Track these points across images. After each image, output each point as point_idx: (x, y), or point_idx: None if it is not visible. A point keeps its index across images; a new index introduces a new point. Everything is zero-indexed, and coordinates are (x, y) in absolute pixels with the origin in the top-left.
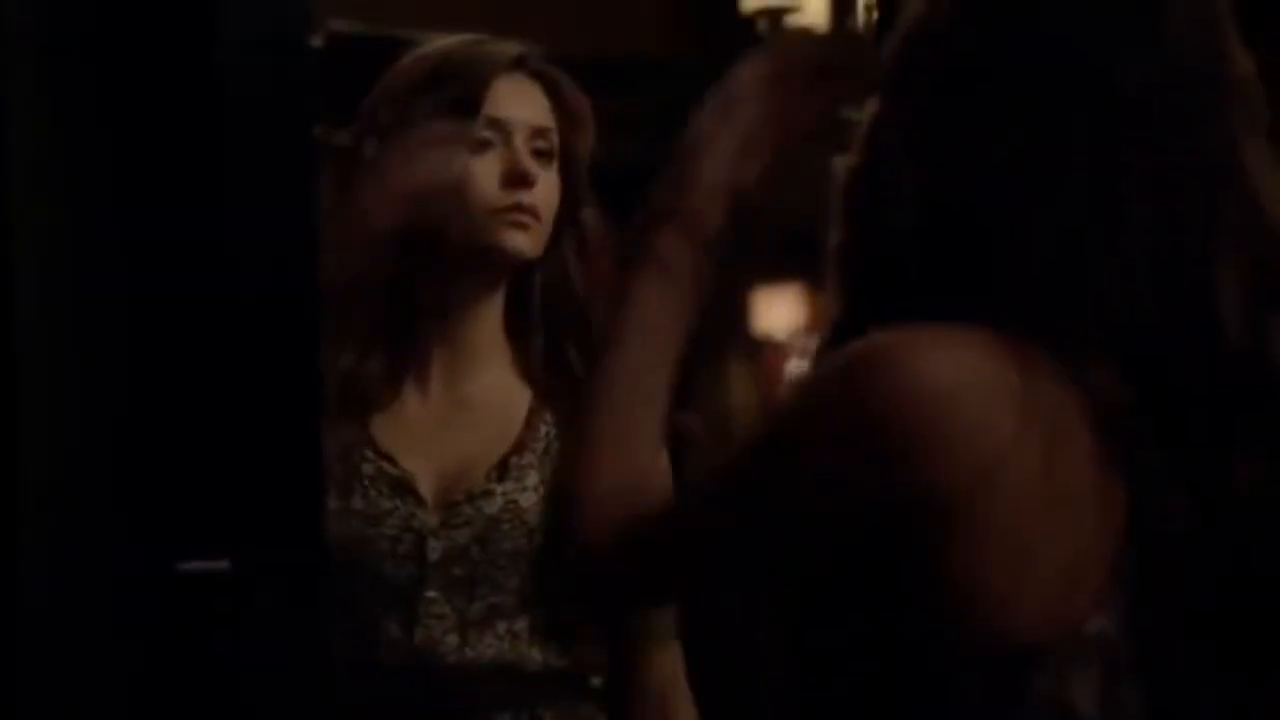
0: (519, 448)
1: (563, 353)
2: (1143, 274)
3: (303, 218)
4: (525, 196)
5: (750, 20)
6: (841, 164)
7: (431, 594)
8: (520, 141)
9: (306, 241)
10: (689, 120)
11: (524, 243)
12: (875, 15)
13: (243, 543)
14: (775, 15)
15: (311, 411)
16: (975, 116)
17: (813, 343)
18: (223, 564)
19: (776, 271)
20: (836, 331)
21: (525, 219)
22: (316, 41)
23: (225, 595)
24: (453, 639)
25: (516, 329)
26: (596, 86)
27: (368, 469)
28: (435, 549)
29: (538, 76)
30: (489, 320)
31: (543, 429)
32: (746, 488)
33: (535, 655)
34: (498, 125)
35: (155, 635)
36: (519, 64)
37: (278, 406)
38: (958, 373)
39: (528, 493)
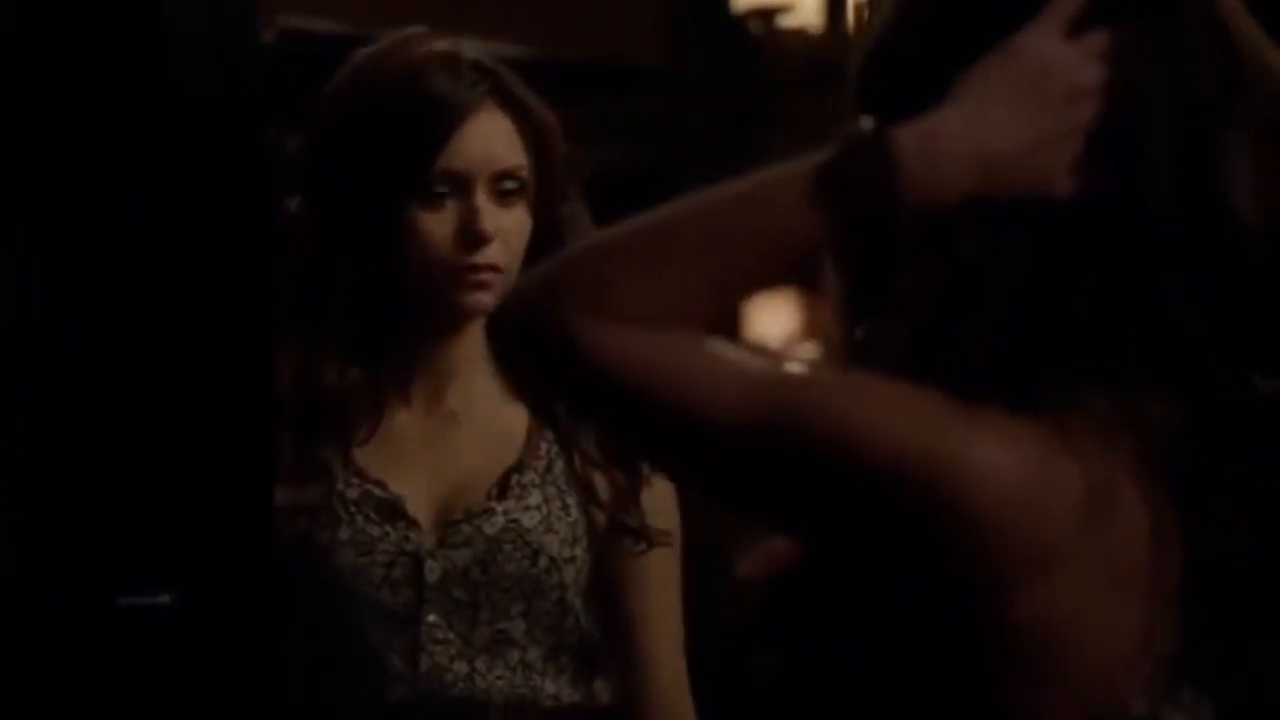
0: (520, 465)
1: None
2: (1176, 280)
3: (256, 218)
4: (483, 256)
5: (742, 20)
6: None
7: (432, 618)
8: (482, 189)
9: (261, 252)
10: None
11: (485, 300)
12: (867, 15)
13: (186, 576)
14: (768, 14)
15: (262, 441)
16: None
17: (807, 350)
18: (163, 598)
19: None
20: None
21: (485, 278)
22: (267, 37)
23: (166, 630)
24: (461, 667)
25: None
26: (591, 91)
27: (352, 494)
28: (433, 570)
29: (505, 105)
30: (471, 335)
31: (544, 446)
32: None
33: (549, 688)
34: (454, 178)
35: (95, 670)
36: (489, 95)
37: (227, 435)
38: (1018, 473)
39: (530, 512)
